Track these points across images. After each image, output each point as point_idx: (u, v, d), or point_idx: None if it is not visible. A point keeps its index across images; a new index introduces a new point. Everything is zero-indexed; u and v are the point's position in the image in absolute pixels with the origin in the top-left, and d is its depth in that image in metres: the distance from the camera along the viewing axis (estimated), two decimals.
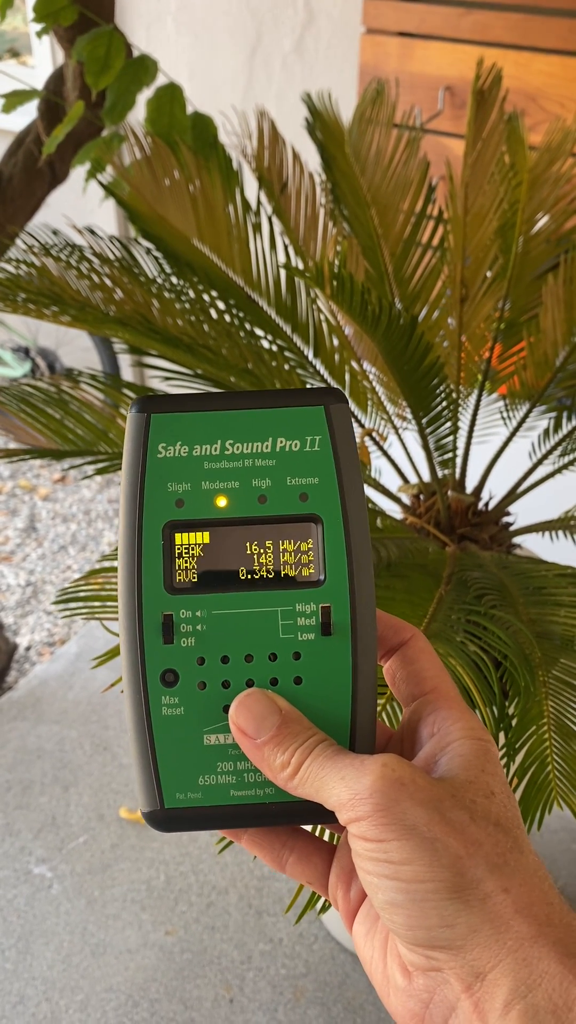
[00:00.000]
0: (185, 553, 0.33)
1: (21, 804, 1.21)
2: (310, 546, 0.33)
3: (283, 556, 0.33)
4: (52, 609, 1.87)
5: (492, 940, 0.28)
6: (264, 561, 0.33)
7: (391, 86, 0.98)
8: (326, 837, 0.38)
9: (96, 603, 0.63)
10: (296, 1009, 0.98)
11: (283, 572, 0.33)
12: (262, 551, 0.33)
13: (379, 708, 0.56)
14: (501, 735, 0.60)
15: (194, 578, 0.33)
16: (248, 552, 0.33)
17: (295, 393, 0.34)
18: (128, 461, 0.33)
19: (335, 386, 0.94)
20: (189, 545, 0.33)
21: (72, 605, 0.63)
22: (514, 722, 0.59)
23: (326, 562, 0.33)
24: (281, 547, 0.33)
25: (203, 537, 0.33)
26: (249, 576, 0.33)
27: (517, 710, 0.59)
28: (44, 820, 1.19)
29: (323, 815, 0.32)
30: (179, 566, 0.33)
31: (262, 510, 0.33)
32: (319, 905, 0.53)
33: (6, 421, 0.83)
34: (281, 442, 0.33)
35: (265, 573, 0.33)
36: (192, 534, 0.33)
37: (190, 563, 0.33)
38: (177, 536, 0.33)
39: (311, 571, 0.33)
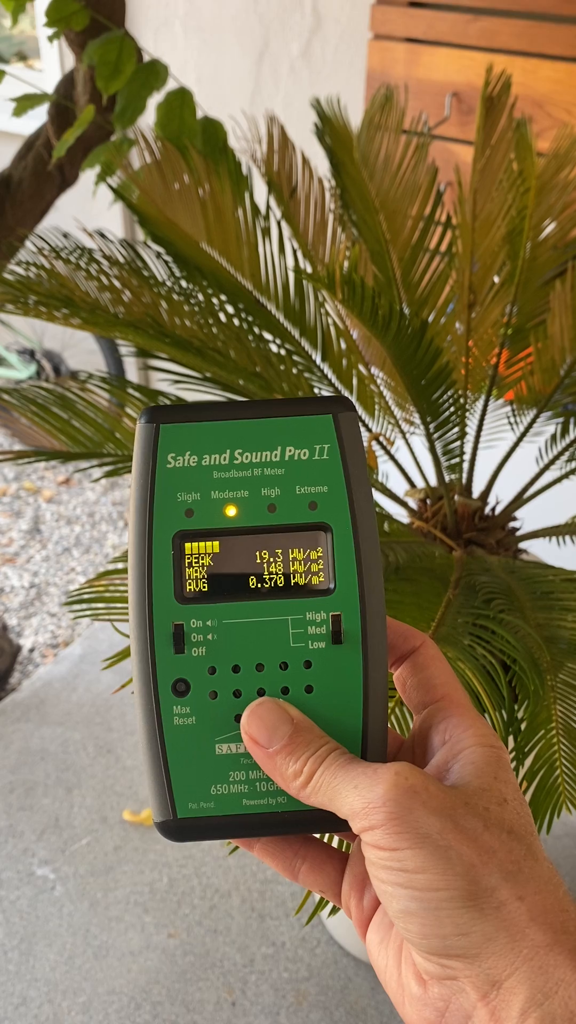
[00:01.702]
0: (195, 562, 0.33)
1: (24, 806, 1.21)
2: (320, 554, 0.33)
3: (293, 565, 0.33)
4: (56, 611, 1.87)
5: (507, 948, 0.28)
6: (274, 570, 0.33)
7: (400, 92, 0.98)
8: (339, 845, 0.38)
9: (101, 605, 0.63)
10: (298, 1013, 0.98)
11: (293, 581, 0.33)
12: (272, 560, 0.33)
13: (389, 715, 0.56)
14: (510, 739, 0.60)
15: (204, 587, 0.33)
16: (258, 561, 0.33)
17: (303, 402, 0.34)
18: (138, 471, 0.33)
19: (343, 391, 0.94)
20: (199, 554, 0.33)
21: (77, 607, 0.63)
22: (523, 726, 0.59)
23: (336, 570, 0.33)
24: (291, 556, 0.33)
25: (213, 546, 0.33)
26: (259, 585, 0.33)
27: (526, 714, 0.59)
28: (47, 822, 1.19)
29: (336, 824, 0.32)
30: (189, 575, 0.33)
31: (271, 519, 0.33)
32: (327, 909, 0.53)
33: (12, 421, 0.83)
34: (290, 451, 0.33)
35: (275, 582, 0.33)
36: (202, 543, 0.33)
37: (200, 572, 0.33)
38: (187, 545, 0.33)
39: (321, 579, 0.33)
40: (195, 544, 0.33)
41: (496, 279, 0.91)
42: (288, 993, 1.00)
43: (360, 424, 0.97)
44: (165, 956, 1.04)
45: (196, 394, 0.89)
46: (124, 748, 1.31)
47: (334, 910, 0.49)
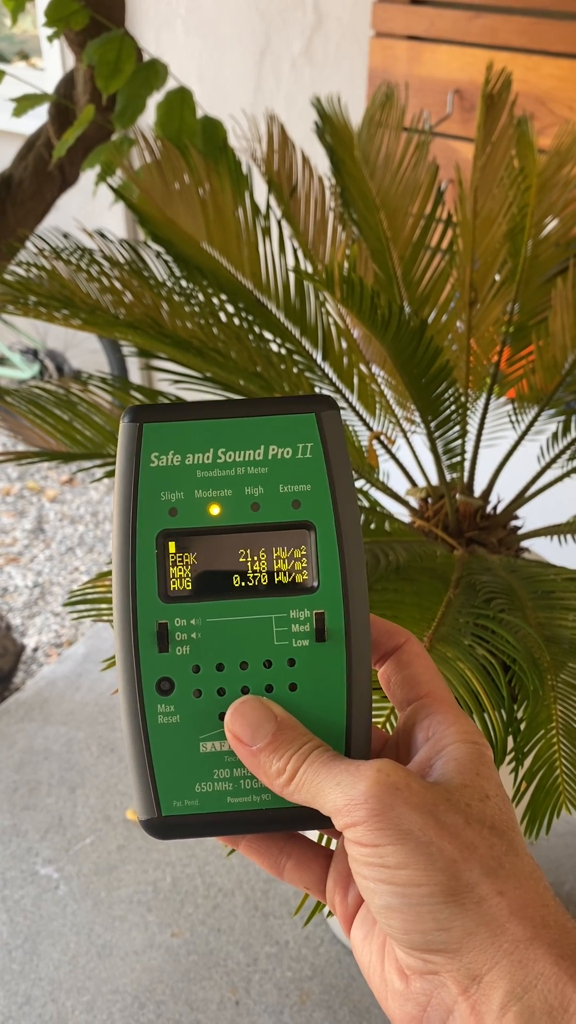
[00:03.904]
0: (179, 561, 0.33)
1: (28, 805, 1.21)
2: (303, 553, 0.33)
3: (276, 563, 0.33)
4: (60, 610, 1.87)
5: (488, 943, 0.28)
6: (258, 568, 0.33)
7: (400, 90, 0.98)
8: (331, 844, 0.38)
9: (104, 605, 0.64)
10: (302, 1012, 0.98)
11: (277, 579, 0.33)
12: (255, 559, 0.33)
13: (381, 717, 0.56)
14: (510, 739, 0.60)
15: (188, 586, 0.33)
16: (242, 560, 0.33)
17: (286, 401, 0.34)
18: (121, 470, 0.33)
19: (343, 390, 0.94)
20: (183, 553, 0.33)
21: (80, 607, 0.63)
22: (523, 726, 0.59)
23: (319, 569, 0.33)
24: (274, 554, 0.33)
25: (197, 545, 0.33)
26: (243, 583, 0.33)
27: (526, 714, 0.59)
28: (51, 821, 1.19)
29: (319, 821, 0.32)
30: (173, 574, 0.33)
31: (255, 518, 0.33)
32: (327, 909, 0.53)
33: (15, 423, 0.83)
34: (273, 450, 0.33)
35: (259, 580, 0.33)
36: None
37: (184, 571, 0.33)
38: (171, 544, 0.33)
39: (305, 578, 0.33)
40: (179, 543, 0.33)
41: (497, 277, 0.91)
42: (292, 992, 1.00)
43: (361, 423, 0.96)
44: (169, 955, 1.04)
45: (197, 394, 0.89)
46: None
47: (332, 911, 0.48)
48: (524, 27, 1.27)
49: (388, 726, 0.56)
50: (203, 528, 0.33)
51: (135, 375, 2.35)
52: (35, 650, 1.77)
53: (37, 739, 1.31)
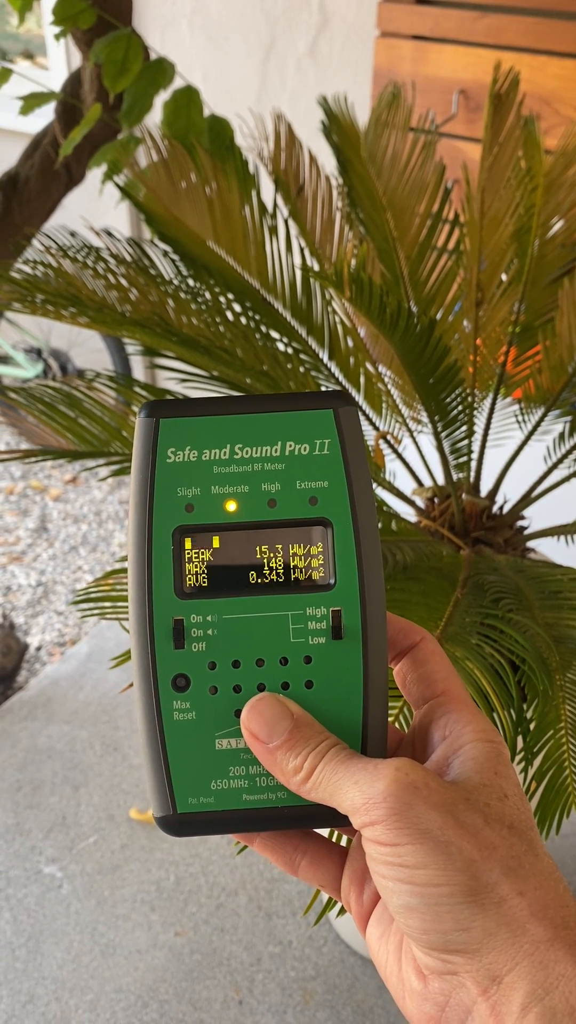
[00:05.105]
0: (195, 558, 0.33)
1: (31, 804, 1.21)
2: (320, 550, 0.33)
3: (293, 560, 0.33)
4: (63, 609, 1.87)
5: (508, 943, 0.28)
6: (274, 565, 0.33)
7: (407, 89, 0.98)
8: (344, 841, 0.37)
9: (109, 604, 0.63)
10: (305, 1012, 0.98)
11: (293, 576, 0.33)
12: (272, 555, 0.33)
13: (393, 712, 0.56)
14: (519, 739, 0.60)
15: (204, 583, 0.33)
16: (258, 556, 0.33)
17: (304, 396, 0.34)
18: (137, 466, 0.33)
19: (350, 389, 0.94)
20: (199, 549, 0.33)
21: (85, 606, 0.63)
22: (532, 726, 0.59)
23: (336, 566, 0.33)
24: (291, 551, 0.33)
25: (213, 541, 0.33)
26: (259, 580, 0.33)
27: (535, 714, 0.59)
28: (54, 820, 1.19)
29: (336, 819, 0.32)
30: (189, 571, 0.33)
31: (272, 514, 0.33)
32: (335, 909, 0.53)
33: (20, 420, 0.83)
34: (290, 446, 0.33)
35: (275, 577, 0.33)
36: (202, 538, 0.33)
37: (200, 568, 0.33)
38: (187, 540, 0.33)
39: (321, 575, 0.33)
40: (195, 539, 0.33)
41: (504, 277, 0.91)
42: (295, 992, 1.00)
43: (367, 422, 0.96)
44: (172, 954, 1.04)
45: (203, 393, 0.89)
46: (131, 746, 1.31)
47: (343, 910, 0.48)
48: (529, 27, 1.27)
49: (399, 723, 0.56)
50: (220, 524, 0.33)
51: (139, 374, 2.35)
52: (38, 649, 1.77)
53: (40, 738, 1.31)
